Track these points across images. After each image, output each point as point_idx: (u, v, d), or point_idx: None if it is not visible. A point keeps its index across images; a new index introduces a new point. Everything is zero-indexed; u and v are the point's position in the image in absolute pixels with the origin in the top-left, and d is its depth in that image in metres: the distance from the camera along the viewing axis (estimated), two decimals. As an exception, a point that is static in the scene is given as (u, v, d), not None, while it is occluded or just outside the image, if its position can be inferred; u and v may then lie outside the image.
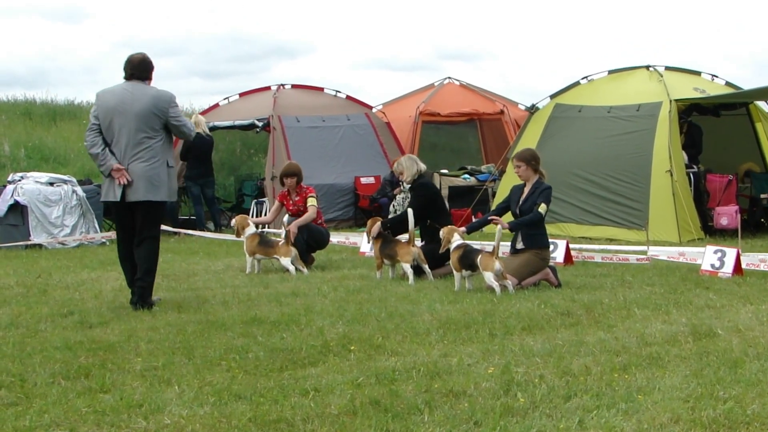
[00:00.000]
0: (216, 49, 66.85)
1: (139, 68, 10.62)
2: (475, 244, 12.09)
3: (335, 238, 18.20)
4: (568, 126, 19.32)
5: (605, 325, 8.97)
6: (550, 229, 17.76)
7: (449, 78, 26.13)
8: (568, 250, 13.87)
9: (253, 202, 22.53)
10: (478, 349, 7.89)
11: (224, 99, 24.39)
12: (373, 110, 24.42)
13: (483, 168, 23.10)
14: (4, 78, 61.72)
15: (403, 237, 12.94)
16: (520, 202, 12.02)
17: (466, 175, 22.57)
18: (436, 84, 26.05)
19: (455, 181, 22.24)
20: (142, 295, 10.40)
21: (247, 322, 9.39)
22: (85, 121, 33.67)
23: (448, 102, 25.03)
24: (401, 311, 9.78)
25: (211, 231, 21.17)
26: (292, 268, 13.63)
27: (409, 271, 12.38)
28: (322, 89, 24.25)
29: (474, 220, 13.41)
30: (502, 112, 24.92)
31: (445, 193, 21.67)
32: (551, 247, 12.55)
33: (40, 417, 6.14)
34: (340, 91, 24.11)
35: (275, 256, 13.87)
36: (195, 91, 67.53)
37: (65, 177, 20.44)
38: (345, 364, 7.51)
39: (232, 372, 7.30)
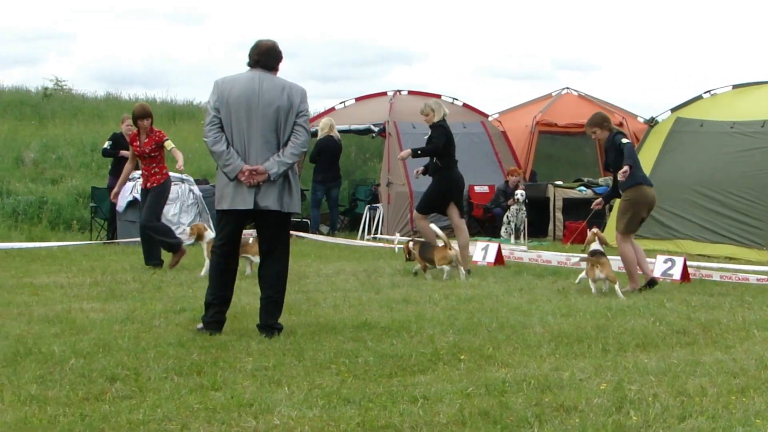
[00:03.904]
0: (333, 53, 67.33)
1: (267, 56, 9.18)
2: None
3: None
4: (688, 141, 18.98)
5: (723, 345, 8.78)
6: (667, 245, 17.59)
7: (567, 88, 25.89)
8: (685, 267, 13.60)
9: (366, 207, 22.57)
10: (591, 365, 7.78)
11: (340, 103, 24.49)
12: (490, 119, 24.29)
13: (600, 180, 22.82)
14: (125, 77, 63.03)
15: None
16: (605, 159, 13.33)
17: (582, 187, 22.30)
18: (553, 94, 25.82)
19: (570, 192, 22.00)
20: (273, 313, 9.13)
21: (357, 326, 9.40)
22: (203, 122, 34.28)
23: (566, 112, 24.77)
24: (512, 322, 9.70)
25: (323, 234, 21.27)
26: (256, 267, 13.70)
27: (447, 269, 13.53)
28: (439, 96, 24.15)
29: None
30: (621, 124, 24.50)
31: (559, 204, 21.51)
32: (668, 264, 12.40)
33: (153, 411, 6.21)
34: (456, 99, 24.02)
35: (245, 255, 13.83)
36: (311, 94, 67.51)
37: (182, 176, 20.70)
38: (455, 374, 7.46)
39: (342, 376, 7.30)
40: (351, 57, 68.19)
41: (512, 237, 20.61)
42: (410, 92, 24.11)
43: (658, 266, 13.58)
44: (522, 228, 20.28)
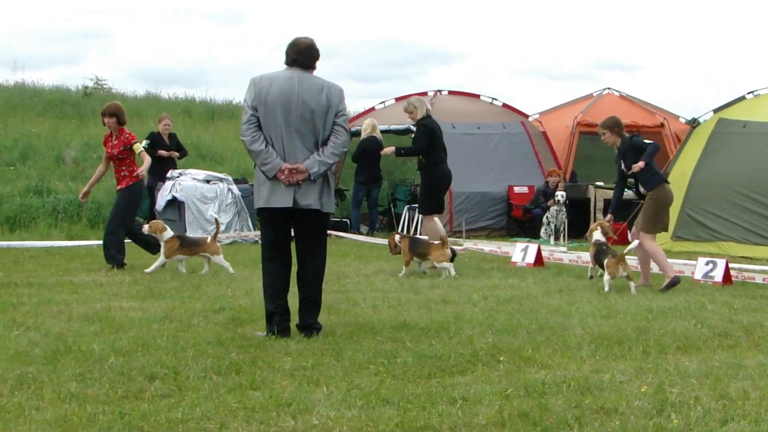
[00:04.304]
0: (372, 53, 67.40)
1: (305, 54, 9.05)
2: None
3: (487, 246, 18.11)
4: (731, 142, 18.80)
5: (765, 348, 8.67)
6: (708, 247, 17.46)
7: (608, 88, 25.75)
8: (727, 269, 13.44)
9: (405, 208, 22.54)
10: (631, 367, 7.72)
11: (380, 103, 24.47)
12: (530, 119, 24.22)
13: (641, 182, 22.68)
14: (165, 76, 63.31)
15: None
16: (622, 164, 13.27)
17: (623, 189, 22.18)
18: (594, 94, 25.69)
19: (610, 193, 21.76)
20: (312, 312, 9.11)
21: (396, 327, 9.37)
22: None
23: (607, 113, 24.32)
24: (552, 324, 9.64)
25: (362, 234, 21.26)
26: (227, 265, 13.85)
27: (448, 267, 13.77)
28: (478, 96, 24.14)
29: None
30: (662, 125, 24.39)
31: (599, 205, 21.39)
32: (710, 266, 12.31)
33: (192, 410, 6.21)
34: (496, 99, 23.97)
35: (204, 254, 13.87)
36: (350, 94, 67.72)
37: (221, 175, 20.79)
38: (494, 375, 7.42)
39: (380, 376, 7.27)
40: (391, 57, 68.27)
41: (552, 238, 20.54)
42: (450, 92, 24.09)
43: (699, 268, 13.48)
44: (562, 229, 20.18)
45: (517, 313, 10.36)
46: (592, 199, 21.77)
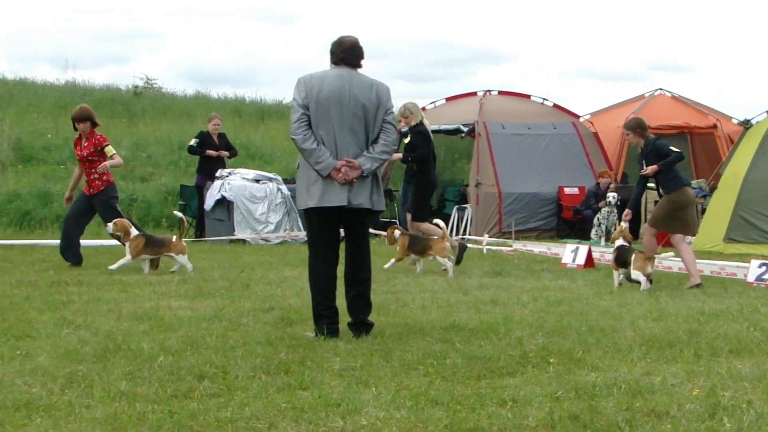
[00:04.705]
0: (422, 53, 67.39)
1: (351, 53, 9.03)
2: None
3: (537, 248, 18.03)
4: (785, 143, 18.63)
5: (819, 352, 8.56)
6: (762, 249, 17.28)
7: (660, 89, 25.57)
8: (780, 272, 13.33)
9: (454, 208, 22.51)
10: (683, 370, 7.63)
11: (430, 103, 24.44)
12: (581, 119, 24.10)
13: (693, 183, 22.48)
14: (214, 76, 63.63)
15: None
16: (643, 164, 13.61)
17: (674, 190, 22.01)
18: (646, 95, 25.52)
19: (662, 195, 21.72)
20: (365, 309, 9.12)
21: (445, 328, 9.33)
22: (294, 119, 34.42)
23: (659, 114, 24.42)
24: (602, 326, 9.56)
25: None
26: (189, 266, 13.86)
27: (449, 264, 13.96)
28: (528, 96, 24.05)
29: (615, 230, 13.93)
30: (714, 126, 24.19)
31: (650, 207, 21.22)
32: (763, 269, 12.21)
33: (241, 410, 6.20)
34: (547, 99, 23.88)
35: (168, 254, 13.85)
36: (400, 94, 68.17)
37: (271, 175, 20.85)
38: (544, 377, 7.36)
39: (430, 377, 7.24)
40: (440, 57, 68.24)
41: (603, 239, 20.43)
42: (500, 92, 24.03)
43: (752, 271, 13.34)
44: (613, 230, 20.05)
45: (568, 315, 10.29)
46: (643, 201, 21.58)
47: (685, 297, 11.88)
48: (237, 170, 20.61)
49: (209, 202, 19.73)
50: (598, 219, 20.78)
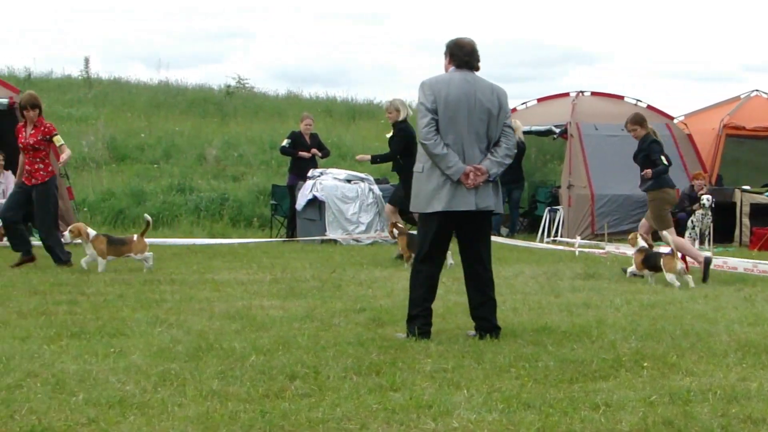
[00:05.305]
0: (513, 54, 67.14)
1: (472, 56, 9.02)
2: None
3: (630, 250, 17.79)
4: None
5: None
6: None
7: (756, 90, 25.14)
8: None
9: (546, 210, 22.35)
10: (780, 376, 7.49)
11: (522, 104, 24.33)
12: (675, 121, 23.80)
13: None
14: (306, 76, 64.05)
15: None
16: (635, 156, 14.98)
17: (771, 192, 21.69)
18: (742, 96, 25.11)
19: (758, 198, 21.35)
20: (495, 313, 9.12)
21: (537, 330, 9.26)
22: (383, 121, 34.38)
23: (755, 115, 24.04)
24: (697, 330, 9.41)
25: (502, 237, 21.13)
26: (149, 264, 13.82)
27: (450, 260, 13.93)
28: (622, 97, 23.80)
29: (631, 235, 14.58)
30: (813, 127, 23.76)
31: (746, 210, 20.90)
32: None
33: (333, 410, 6.20)
34: (641, 100, 23.61)
35: (129, 254, 13.77)
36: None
37: (362, 175, 20.85)
38: (637, 381, 7.26)
39: (522, 380, 7.18)
40: (532, 57, 67.95)
41: (697, 242, 20.13)
42: (593, 93, 23.81)
43: None
44: (707, 233, 19.78)
45: (661, 319, 10.15)
46: (738, 204, 21.25)
47: (692, 288, 12.02)
48: (329, 170, 20.65)
49: (301, 202, 19.80)
50: (692, 222, 20.46)
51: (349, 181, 20.03)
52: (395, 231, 15.43)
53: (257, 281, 12.82)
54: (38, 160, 14.27)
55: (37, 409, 6.13)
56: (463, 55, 9.00)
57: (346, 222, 19.50)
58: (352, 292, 11.92)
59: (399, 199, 16.06)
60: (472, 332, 9.00)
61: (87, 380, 6.92)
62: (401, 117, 16.04)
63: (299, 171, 20.37)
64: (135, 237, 14.05)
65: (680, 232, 20.69)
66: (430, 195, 8.88)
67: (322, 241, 19.25)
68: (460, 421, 6.01)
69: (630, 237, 14.47)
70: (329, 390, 6.77)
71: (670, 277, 13.16)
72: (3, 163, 18.40)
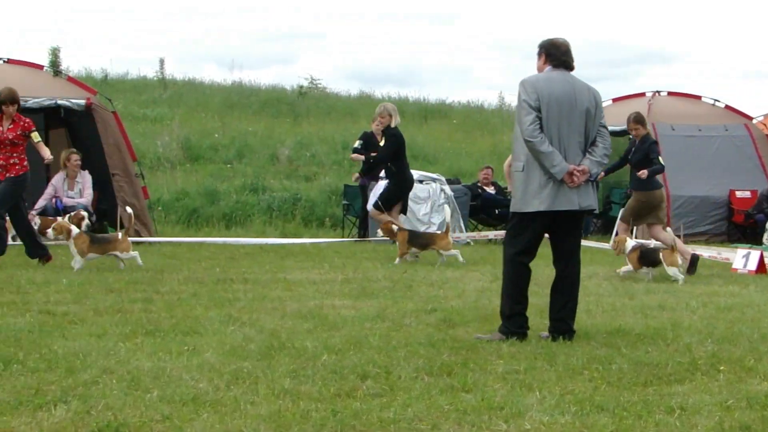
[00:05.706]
0: (589, 53, 66.69)
1: (568, 55, 9.06)
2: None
3: (706, 252, 17.61)
4: None
5: None
6: None
7: (837, 90, 24.75)
8: None
9: (620, 210, 22.13)
10: None
11: (597, 104, 24.10)
12: (754, 121, 23.48)
13: None
14: (378, 76, 64.16)
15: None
16: (631, 154, 15.65)
17: None
18: (822, 96, 24.75)
19: (836, 199, 21.06)
20: (574, 315, 9.10)
21: (610, 332, 9.17)
22: (455, 121, 34.33)
23: (835, 115, 23.70)
24: (776, 333, 9.27)
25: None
26: (123, 262, 13.70)
27: (455, 255, 15.12)
28: (699, 97, 23.56)
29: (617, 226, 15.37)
30: None
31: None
32: None
33: (404, 410, 6.17)
34: (718, 100, 23.34)
35: (113, 252, 13.61)
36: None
37: (434, 175, 20.82)
38: (713, 385, 7.15)
39: (595, 382, 7.10)
40: (608, 57, 67.48)
41: (777, 243, 19.88)
42: (670, 93, 23.58)
43: None
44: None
45: (738, 322, 10.00)
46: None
47: (680, 284, 12.09)
48: (401, 170, 20.60)
49: (372, 202, 19.79)
50: (768, 225, 20.23)
51: (420, 181, 19.98)
52: (395, 228, 15.73)
53: (329, 281, 12.84)
54: (15, 155, 14.04)
55: (112, 405, 6.18)
56: (560, 55, 9.01)
57: (418, 222, 19.45)
58: (423, 292, 11.89)
59: (384, 201, 16.80)
60: (545, 334, 8.95)
61: (161, 377, 6.96)
62: (394, 123, 16.53)
63: (370, 172, 20.34)
64: (119, 235, 14.04)
65: (758, 234, 20.49)
66: (531, 194, 8.85)
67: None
68: (532, 423, 5.95)
69: (617, 241, 14.54)
70: (400, 390, 6.74)
71: (672, 270, 13.39)
72: (80, 162, 18.62)
